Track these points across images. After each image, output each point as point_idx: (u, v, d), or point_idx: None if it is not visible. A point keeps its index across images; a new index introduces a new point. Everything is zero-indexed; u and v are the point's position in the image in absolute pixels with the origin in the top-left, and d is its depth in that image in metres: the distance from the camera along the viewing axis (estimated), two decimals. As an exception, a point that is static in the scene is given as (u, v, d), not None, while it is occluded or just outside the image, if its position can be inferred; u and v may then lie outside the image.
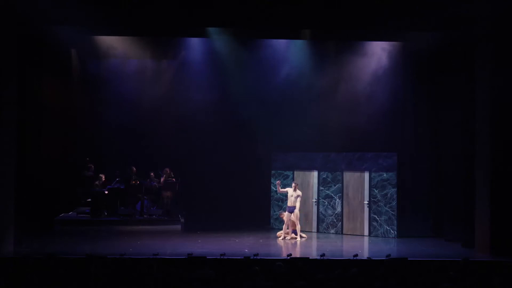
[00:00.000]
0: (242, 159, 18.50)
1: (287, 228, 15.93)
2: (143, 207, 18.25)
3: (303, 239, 15.93)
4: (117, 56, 18.52)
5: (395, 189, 16.45)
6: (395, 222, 16.39)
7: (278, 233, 16.21)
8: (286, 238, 15.87)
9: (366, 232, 16.74)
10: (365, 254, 14.12)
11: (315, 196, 17.50)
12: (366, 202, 16.80)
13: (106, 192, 17.94)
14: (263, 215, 18.20)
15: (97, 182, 18.10)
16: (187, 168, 18.70)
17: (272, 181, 18.19)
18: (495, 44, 13.76)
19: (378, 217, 16.61)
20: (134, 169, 18.41)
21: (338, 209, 17.14)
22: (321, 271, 9.49)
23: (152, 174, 18.66)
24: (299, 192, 16.01)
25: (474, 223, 14.31)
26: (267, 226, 18.05)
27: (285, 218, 15.99)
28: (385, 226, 16.48)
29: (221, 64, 18.32)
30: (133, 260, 10.89)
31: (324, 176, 17.42)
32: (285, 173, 18.04)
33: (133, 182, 18.21)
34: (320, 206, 17.42)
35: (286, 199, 17.98)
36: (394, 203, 16.43)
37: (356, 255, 11.15)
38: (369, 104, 17.56)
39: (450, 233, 15.79)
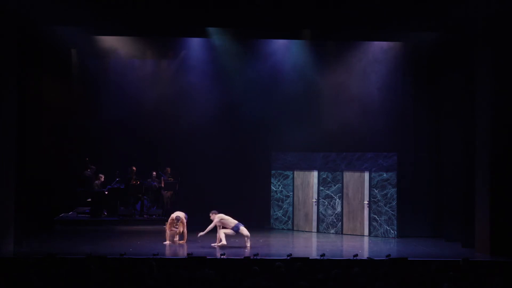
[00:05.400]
0: (242, 159, 18.49)
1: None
2: (143, 207, 18.26)
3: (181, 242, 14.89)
4: (117, 56, 18.52)
5: (395, 189, 16.46)
6: (395, 222, 16.39)
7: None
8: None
9: (366, 232, 16.75)
10: (365, 254, 14.13)
11: (315, 196, 17.51)
12: (366, 202, 16.80)
13: (106, 192, 17.95)
14: (263, 215, 18.21)
15: (96, 182, 18.10)
16: (187, 168, 18.70)
17: (272, 181, 18.21)
18: (495, 44, 13.78)
19: (378, 217, 16.61)
20: (134, 169, 18.40)
21: (338, 209, 17.14)
22: (321, 271, 9.48)
23: (154, 173, 18.66)
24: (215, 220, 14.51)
25: (474, 223, 14.32)
26: (267, 226, 18.07)
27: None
28: (385, 226, 16.48)
29: (221, 64, 18.30)
30: (133, 260, 10.90)
31: (324, 176, 17.42)
32: (285, 173, 18.05)
33: (133, 182, 18.20)
34: (320, 206, 17.42)
35: (286, 199, 18.03)
36: (394, 203, 16.43)
37: (356, 255, 11.15)
38: (369, 104, 17.53)
39: (450, 233, 15.80)
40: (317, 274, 9.05)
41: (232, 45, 17.52)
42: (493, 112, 13.80)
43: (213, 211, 14.67)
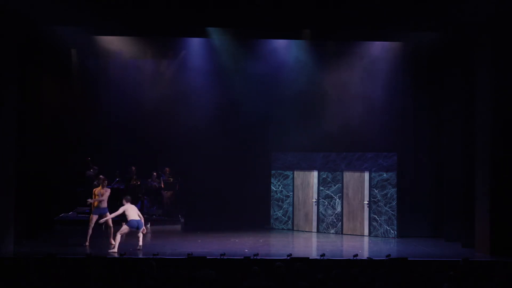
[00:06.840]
0: (242, 159, 18.49)
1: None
2: (143, 207, 18.25)
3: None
4: (117, 56, 18.52)
5: (395, 189, 16.46)
6: (395, 222, 16.39)
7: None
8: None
9: (366, 232, 16.74)
10: (365, 254, 14.12)
11: (315, 196, 17.51)
12: (366, 202, 16.80)
13: (106, 192, 17.92)
14: (263, 215, 18.21)
15: (95, 183, 18.08)
16: (187, 168, 18.70)
17: (272, 181, 18.21)
18: (495, 44, 13.78)
19: (378, 217, 16.61)
20: (134, 169, 18.40)
21: (338, 209, 17.14)
22: (321, 271, 9.48)
23: (154, 174, 18.65)
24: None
25: (474, 223, 14.32)
26: (267, 226, 18.07)
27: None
28: (385, 226, 16.48)
29: (221, 64, 18.30)
30: (133, 260, 10.90)
31: (324, 176, 17.42)
32: (285, 173, 18.05)
33: (133, 182, 18.20)
34: (320, 206, 17.42)
35: (286, 199, 18.03)
36: (394, 203, 16.43)
37: (356, 255, 11.15)
38: (369, 104, 17.51)
39: (450, 233, 15.80)
40: (317, 274, 9.06)
41: (232, 45, 17.51)
42: (493, 112, 13.80)
43: (126, 197, 14.17)
